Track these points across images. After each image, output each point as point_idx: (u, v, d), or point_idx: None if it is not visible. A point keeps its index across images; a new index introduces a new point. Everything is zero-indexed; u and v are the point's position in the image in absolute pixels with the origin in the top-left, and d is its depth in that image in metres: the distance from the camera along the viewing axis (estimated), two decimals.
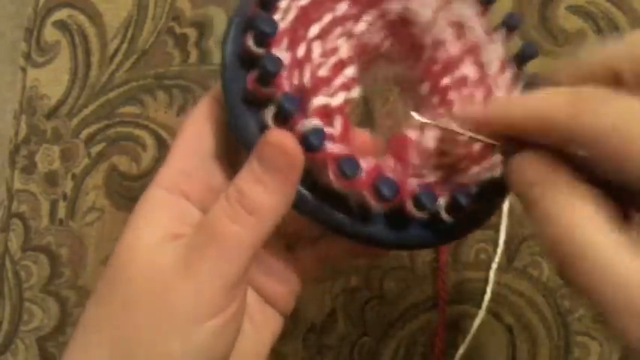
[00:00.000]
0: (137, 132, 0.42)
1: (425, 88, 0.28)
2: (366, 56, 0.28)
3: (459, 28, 0.27)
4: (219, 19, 0.42)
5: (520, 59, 0.27)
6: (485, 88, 0.27)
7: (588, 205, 0.19)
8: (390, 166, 0.24)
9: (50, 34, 0.44)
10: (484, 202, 0.25)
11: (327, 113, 0.23)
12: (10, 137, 0.44)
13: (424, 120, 0.24)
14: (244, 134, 0.23)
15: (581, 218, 0.19)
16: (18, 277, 0.43)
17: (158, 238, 0.23)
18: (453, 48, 0.27)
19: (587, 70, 0.21)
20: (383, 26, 0.27)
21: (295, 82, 0.24)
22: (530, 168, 0.21)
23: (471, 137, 0.23)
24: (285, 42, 0.24)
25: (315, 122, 0.22)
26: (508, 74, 0.27)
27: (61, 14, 0.44)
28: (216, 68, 0.42)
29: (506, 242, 0.39)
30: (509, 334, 0.38)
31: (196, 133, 0.25)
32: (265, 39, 0.23)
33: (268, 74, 0.22)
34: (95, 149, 0.43)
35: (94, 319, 0.23)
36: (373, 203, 0.23)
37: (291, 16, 0.24)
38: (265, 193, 0.22)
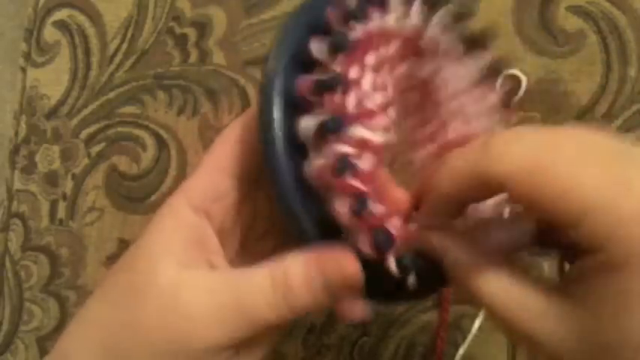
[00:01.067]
0: (137, 132, 0.42)
1: (415, 155, 0.28)
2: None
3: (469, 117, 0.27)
4: (219, 19, 0.42)
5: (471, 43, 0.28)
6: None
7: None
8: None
9: (50, 34, 0.44)
10: None
11: (362, 146, 0.23)
12: (10, 137, 0.44)
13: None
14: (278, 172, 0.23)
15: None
16: (18, 277, 0.43)
17: (176, 262, 0.23)
18: (453, 132, 0.27)
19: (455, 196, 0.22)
20: (410, 80, 0.27)
21: (337, 101, 0.23)
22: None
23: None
24: (341, 60, 0.23)
25: (347, 149, 0.22)
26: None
27: (61, 14, 0.44)
28: (216, 68, 0.42)
29: None
30: None
31: (227, 153, 0.25)
32: (339, 50, 0.23)
33: (330, 82, 0.22)
34: (95, 149, 0.43)
35: (99, 318, 0.23)
36: (364, 248, 0.23)
37: (355, 35, 0.24)
38: (313, 300, 0.23)
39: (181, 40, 0.42)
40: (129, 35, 0.43)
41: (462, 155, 0.21)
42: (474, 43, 0.28)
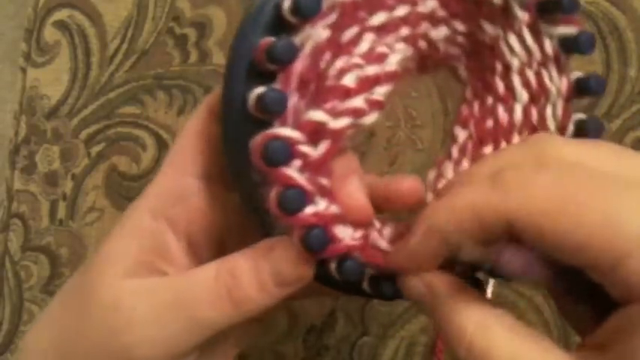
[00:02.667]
0: (137, 132, 0.42)
1: (462, 137, 0.25)
2: (429, 61, 0.25)
3: (539, 96, 0.24)
4: (219, 19, 0.42)
5: (581, 129, 0.23)
6: None
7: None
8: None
9: (50, 34, 0.44)
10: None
11: (318, 131, 0.20)
12: (10, 137, 0.44)
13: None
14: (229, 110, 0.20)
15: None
16: (18, 278, 0.43)
17: (129, 270, 0.22)
18: (518, 114, 0.24)
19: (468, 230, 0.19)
20: (467, 43, 0.24)
21: (322, 66, 0.20)
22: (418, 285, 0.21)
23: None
24: (333, 17, 0.20)
25: (287, 132, 0.19)
26: None
27: (61, 14, 0.44)
28: (216, 68, 0.42)
29: None
30: None
31: (190, 150, 0.23)
32: (307, 11, 0.19)
33: (278, 57, 0.19)
34: (95, 149, 0.43)
35: (54, 321, 0.23)
36: (297, 247, 0.20)
37: None
38: (261, 293, 0.21)
39: (181, 41, 0.42)
40: (129, 35, 0.43)
41: (465, 189, 0.19)
42: (552, 6, 0.23)
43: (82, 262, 0.42)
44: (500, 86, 0.24)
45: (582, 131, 0.23)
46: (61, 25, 0.44)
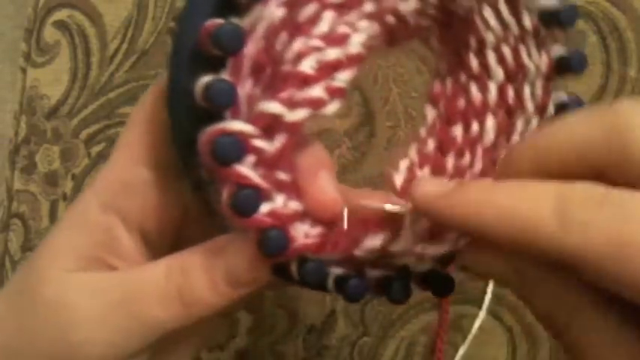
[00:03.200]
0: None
1: (431, 116, 0.23)
2: (399, 34, 0.23)
3: (516, 74, 0.22)
4: None
5: (562, 111, 0.22)
6: (488, 162, 0.22)
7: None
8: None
9: (50, 34, 0.44)
10: (427, 288, 0.21)
11: (272, 125, 0.18)
12: (10, 137, 0.44)
13: (368, 204, 0.20)
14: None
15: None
16: None
17: (76, 264, 0.21)
18: (492, 93, 0.22)
19: (557, 159, 0.17)
20: (440, 14, 0.22)
21: (278, 47, 0.19)
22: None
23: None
24: None
25: (239, 126, 0.18)
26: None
27: (61, 14, 0.44)
28: None
29: None
30: (509, 334, 0.38)
31: (141, 139, 0.21)
32: None
33: (224, 46, 0.17)
34: (95, 149, 0.43)
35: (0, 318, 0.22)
36: (258, 249, 0.19)
37: None
38: (213, 293, 0.20)
39: None
40: (129, 35, 0.43)
41: (526, 201, 0.16)
42: None
43: None
44: (474, 63, 0.22)
45: (561, 112, 0.22)
46: (61, 25, 0.44)
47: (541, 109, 0.22)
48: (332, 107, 0.19)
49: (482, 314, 0.38)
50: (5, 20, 0.47)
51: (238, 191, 0.18)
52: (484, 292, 0.38)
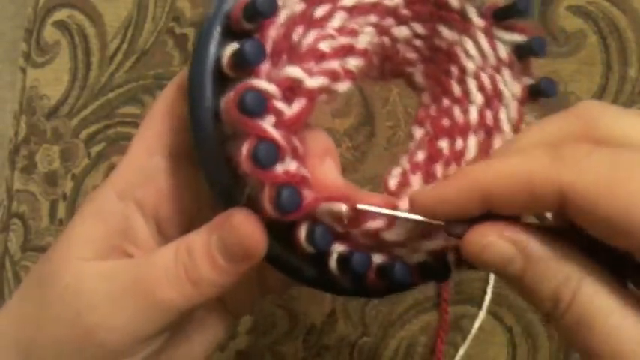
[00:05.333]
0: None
1: (419, 134, 0.26)
2: (388, 65, 0.25)
3: (493, 99, 0.24)
4: None
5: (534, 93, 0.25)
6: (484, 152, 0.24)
7: (576, 274, 0.18)
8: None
9: (50, 34, 0.44)
10: (423, 277, 0.22)
11: (294, 89, 0.20)
12: (10, 137, 0.44)
13: (367, 208, 0.21)
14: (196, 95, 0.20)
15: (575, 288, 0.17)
16: (18, 278, 0.43)
17: (92, 252, 0.21)
18: (473, 115, 0.24)
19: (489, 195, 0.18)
20: (425, 48, 0.25)
21: (295, 38, 0.20)
22: (503, 244, 0.18)
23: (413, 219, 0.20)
24: None
25: (264, 85, 0.19)
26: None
27: (61, 14, 0.44)
28: None
29: None
30: (509, 334, 0.38)
31: (158, 130, 0.22)
32: None
33: (259, 10, 0.19)
34: (95, 149, 0.43)
35: (14, 310, 0.22)
36: (267, 207, 0.19)
37: None
38: (214, 270, 0.20)
39: (181, 40, 0.42)
40: (129, 35, 0.43)
41: (520, 157, 0.18)
42: (507, 13, 0.24)
43: None
44: (457, 89, 0.25)
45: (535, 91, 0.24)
46: (61, 25, 0.44)
47: (516, 129, 0.24)
48: (345, 85, 0.22)
49: (482, 314, 0.38)
50: (5, 20, 0.47)
51: (259, 144, 0.19)
52: (484, 292, 0.38)
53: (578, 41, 0.38)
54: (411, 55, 0.26)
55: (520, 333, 0.38)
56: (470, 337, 0.38)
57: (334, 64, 0.21)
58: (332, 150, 0.23)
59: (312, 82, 0.20)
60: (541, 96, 0.25)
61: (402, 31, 0.25)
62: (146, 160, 0.22)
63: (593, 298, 0.17)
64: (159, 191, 0.22)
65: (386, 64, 0.25)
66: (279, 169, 0.19)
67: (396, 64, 0.25)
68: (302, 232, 0.20)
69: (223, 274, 0.20)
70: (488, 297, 0.38)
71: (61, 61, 0.44)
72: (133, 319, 0.20)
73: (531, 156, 0.18)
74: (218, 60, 0.20)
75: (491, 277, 0.38)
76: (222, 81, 0.20)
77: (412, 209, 0.20)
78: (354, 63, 0.22)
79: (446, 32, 0.24)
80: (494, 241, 0.18)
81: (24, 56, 0.44)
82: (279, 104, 0.19)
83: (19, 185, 0.44)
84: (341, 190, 0.21)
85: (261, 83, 0.19)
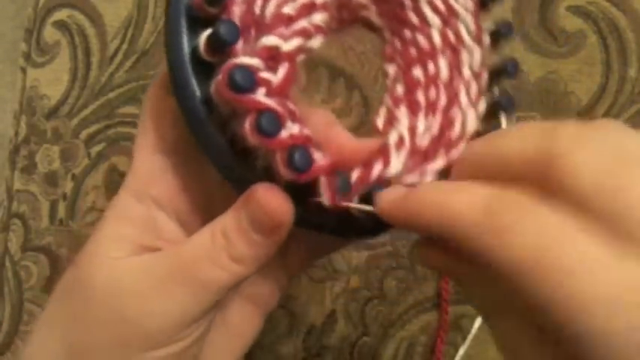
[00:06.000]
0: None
1: (392, 70, 0.27)
2: (345, 13, 0.26)
3: (450, 18, 0.26)
4: None
5: (495, 36, 0.26)
6: (450, 93, 0.25)
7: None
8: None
9: (50, 34, 0.44)
10: None
11: (274, 56, 0.21)
12: (10, 137, 0.44)
13: (352, 205, 0.22)
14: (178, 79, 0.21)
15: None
16: (18, 278, 0.43)
17: (127, 250, 0.22)
18: (436, 37, 0.26)
19: (498, 168, 0.19)
20: None
21: (257, 11, 0.21)
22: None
23: None
24: None
25: (248, 60, 0.20)
26: (478, 85, 0.26)
27: (61, 14, 0.44)
28: None
29: None
30: None
31: (152, 129, 0.23)
32: None
33: None
34: (95, 149, 0.43)
35: (55, 317, 0.23)
36: (282, 171, 0.20)
37: None
38: (252, 247, 0.21)
39: None
40: (129, 35, 0.43)
41: (458, 194, 0.18)
42: None
43: None
44: (414, 18, 0.26)
45: (496, 38, 0.26)
46: (61, 25, 0.44)
47: (478, 40, 0.26)
48: (317, 41, 0.23)
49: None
50: (5, 20, 0.47)
51: (259, 115, 0.19)
52: None
53: (578, 41, 0.38)
54: (363, 0, 0.27)
55: None
56: (470, 337, 0.38)
57: (303, 23, 0.22)
58: (335, 121, 0.25)
59: (289, 46, 0.21)
60: (491, 4, 0.26)
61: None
62: (150, 160, 0.23)
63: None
64: (170, 187, 0.23)
65: (342, 13, 0.26)
66: (284, 134, 0.20)
67: (351, 10, 0.27)
68: (323, 183, 0.21)
69: (261, 249, 0.21)
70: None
71: (61, 61, 0.44)
72: (181, 303, 0.21)
73: (466, 202, 0.18)
74: (194, 50, 0.20)
75: None
76: (202, 69, 0.21)
77: (379, 214, 0.21)
78: (319, 18, 0.23)
79: None
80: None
81: (24, 56, 0.44)
82: (266, 75, 0.20)
83: (19, 185, 0.44)
84: (359, 149, 0.23)
85: (245, 59, 0.20)
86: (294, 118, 0.21)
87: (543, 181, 0.17)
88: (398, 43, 0.27)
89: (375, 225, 0.23)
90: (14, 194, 0.44)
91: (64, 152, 0.43)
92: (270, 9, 0.22)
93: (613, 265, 0.15)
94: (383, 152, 0.24)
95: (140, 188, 0.23)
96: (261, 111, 0.19)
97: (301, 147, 0.20)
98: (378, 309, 0.39)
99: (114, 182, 0.42)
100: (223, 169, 0.21)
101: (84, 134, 0.43)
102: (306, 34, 0.22)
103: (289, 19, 0.22)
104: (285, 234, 0.21)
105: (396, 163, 0.23)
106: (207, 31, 0.20)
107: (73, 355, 0.22)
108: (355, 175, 0.23)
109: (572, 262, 0.16)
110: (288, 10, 0.22)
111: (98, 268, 0.22)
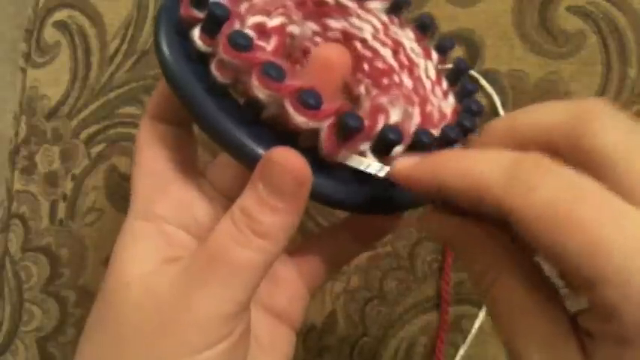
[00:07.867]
0: (137, 132, 0.42)
1: (362, 89, 0.28)
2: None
3: (398, 47, 0.28)
4: None
5: (454, 74, 0.29)
6: (421, 98, 0.27)
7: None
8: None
9: (50, 34, 0.44)
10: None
11: (263, 31, 0.23)
12: (10, 138, 0.44)
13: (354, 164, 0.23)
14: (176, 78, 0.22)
15: None
16: (18, 278, 0.43)
17: (151, 266, 0.22)
18: (392, 62, 0.28)
19: (523, 137, 0.20)
20: (325, 39, 0.28)
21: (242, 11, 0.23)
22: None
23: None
24: None
25: (243, 30, 0.22)
26: (443, 86, 0.28)
27: (61, 15, 0.44)
28: None
29: None
30: None
31: (150, 155, 0.24)
32: None
33: None
34: (95, 150, 0.43)
35: (88, 357, 0.22)
36: (294, 115, 0.21)
37: None
38: (275, 215, 0.21)
39: None
40: (129, 35, 0.43)
41: (481, 159, 0.19)
42: None
43: (82, 262, 0.42)
44: (368, 53, 0.28)
45: (440, 49, 0.29)
46: (61, 25, 0.44)
47: (427, 57, 0.29)
48: (297, 28, 0.25)
49: (482, 314, 0.38)
50: (5, 20, 0.47)
51: (264, 66, 0.21)
52: None
53: (578, 41, 0.38)
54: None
55: None
56: (470, 337, 0.38)
57: (286, 1, 0.25)
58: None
59: (274, 22, 0.23)
60: (428, 28, 0.29)
61: (301, 30, 0.27)
62: (150, 182, 0.24)
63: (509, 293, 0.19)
64: (174, 202, 0.24)
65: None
66: (289, 81, 0.21)
67: (306, 49, 0.28)
68: (326, 131, 0.22)
69: (286, 214, 0.21)
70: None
71: (61, 62, 0.44)
72: (221, 294, 0.21)
73: (490, 164, 0.18)
74: (189, 45, 0.22)
75: None
76: (196, 69, 0.22)
77: (392, 176, 0.22)
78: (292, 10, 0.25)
79: (333, 23, 0.28)
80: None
81: (24, 56, 0.44)
82: (260, 42, 0.22)
83: (19, 185, 0.44)
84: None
85: (239, 27, 0.22)
86: (294, 74, 0.22)
87: (571, 146, 0.18)
88: (360, 74, 0.28)
89: (386, 199, 0.24)
90: (14, 194, 0.44)
91: (64, 152, 0.43)
92: (253, 4, 0.23)
93: (637, 217, 0.16)
94: (380, 108, 0.24)
95: (145, 209, 0.23)
96: (265, 62, 0.21)
97: (308, 89, 0.21)
98: (378, 309, 0.39)
99: (114, 182, 0.42)
100: (234, 149, 0.22)
101: (84, 134, 0.43)
102: (287, 11, 0.24)
103: (267, 12, 0.24)
104: (306, 195, 0.21)
105: (396, 114, 0.24)
106: (195, 30, 0.22)
107: None
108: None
109: (597, 212, 0.16)
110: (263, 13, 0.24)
111: (129, 290, 0.21)
